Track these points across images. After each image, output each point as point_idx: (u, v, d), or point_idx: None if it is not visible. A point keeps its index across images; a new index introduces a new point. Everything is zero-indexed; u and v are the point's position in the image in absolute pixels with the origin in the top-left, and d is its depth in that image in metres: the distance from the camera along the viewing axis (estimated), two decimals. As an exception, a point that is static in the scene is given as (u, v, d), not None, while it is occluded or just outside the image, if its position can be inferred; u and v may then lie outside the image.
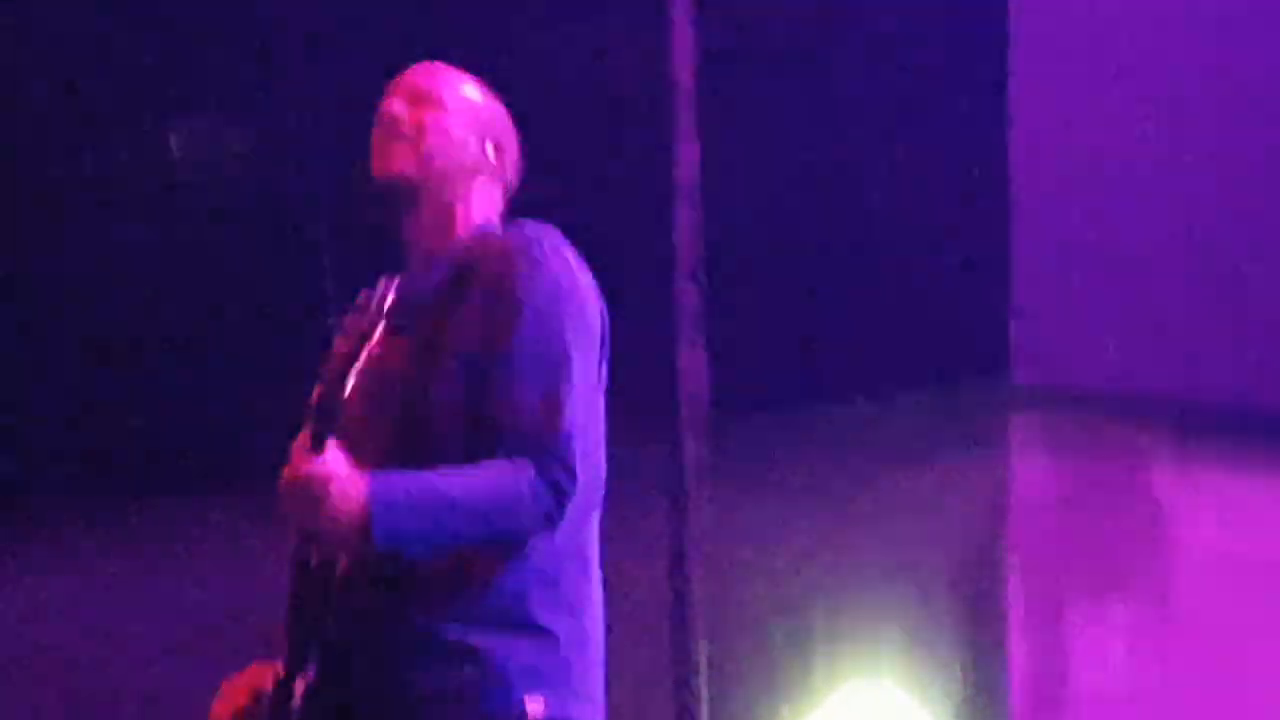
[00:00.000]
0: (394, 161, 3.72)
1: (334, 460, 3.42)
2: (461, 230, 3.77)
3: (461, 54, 4.48)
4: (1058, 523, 7.39)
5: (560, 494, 3.47)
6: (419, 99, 3.76)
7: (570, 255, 3.68)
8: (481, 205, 3.81)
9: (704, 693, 6.67)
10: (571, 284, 3.62)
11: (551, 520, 3.47)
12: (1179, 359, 7.70)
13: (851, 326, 7.68)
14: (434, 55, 4.22)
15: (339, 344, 3.59)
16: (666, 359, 6.62)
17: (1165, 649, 7.18)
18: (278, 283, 8.67)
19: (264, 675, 3.62)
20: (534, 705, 3.49)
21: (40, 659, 8.09)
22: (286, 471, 3.47)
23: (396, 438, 3.59)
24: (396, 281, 3.57)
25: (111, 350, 8.71)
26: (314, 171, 8.43)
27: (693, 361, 6.48)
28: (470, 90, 3.89)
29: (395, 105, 3.76)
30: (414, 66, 3.91)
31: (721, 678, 6.86)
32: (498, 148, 3.83)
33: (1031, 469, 7.52)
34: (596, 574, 3.67)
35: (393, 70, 4.36)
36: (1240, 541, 7.22)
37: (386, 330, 3.58)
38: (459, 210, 3.75)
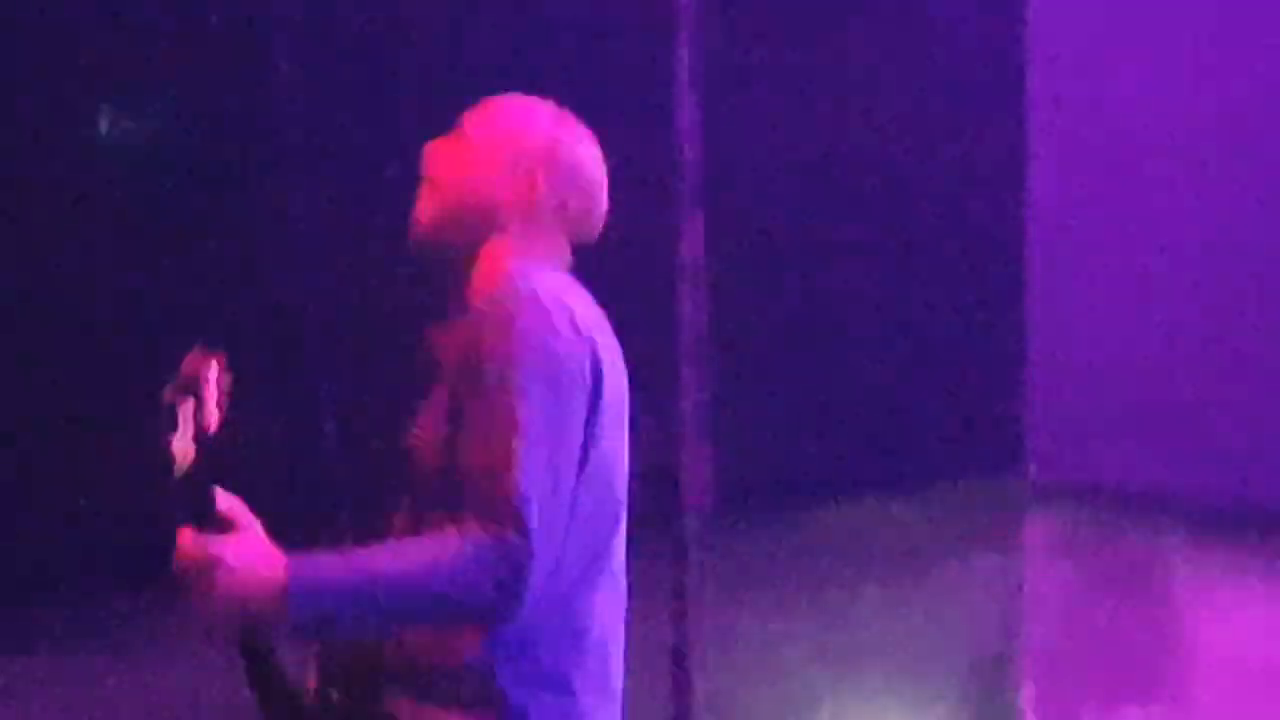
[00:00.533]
0: (417, 212, 3.48)
1: (243, 543, 3.25)
2: (485, 277, 3.47)
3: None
4: (1070, 623, 7.31)
5: (513, 560, 3.18)
6: (459, 138, 3.52)
7: (556, 309, 3.33)
8: (514, 246, 3.47)
9: None
10: (540, 336, 3.31)
11: (507, 588, 3.16)
12: (1194, 458, 7.81)
13: (869, 422, 7.65)
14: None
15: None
16: (666, 455, 6.26)
17: None
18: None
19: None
20: None
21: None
22: (190, 551, 3.26)
23: (420, 493, 3.38)
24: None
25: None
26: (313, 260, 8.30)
27: (696, 459, 6.25)
28: (520, 120, 3.56)
29: (434, 145, 3.54)
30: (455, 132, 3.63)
31: None
32: (556, 182, 3.47)
33: (1041, 568, 7.52)
34: (600, 642, 3.37)
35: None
36: (1252, 644, 7.20)
37: (428, 385, 3.44)
38: (488, 252, 3.46)
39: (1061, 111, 8.64)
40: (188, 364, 3.34)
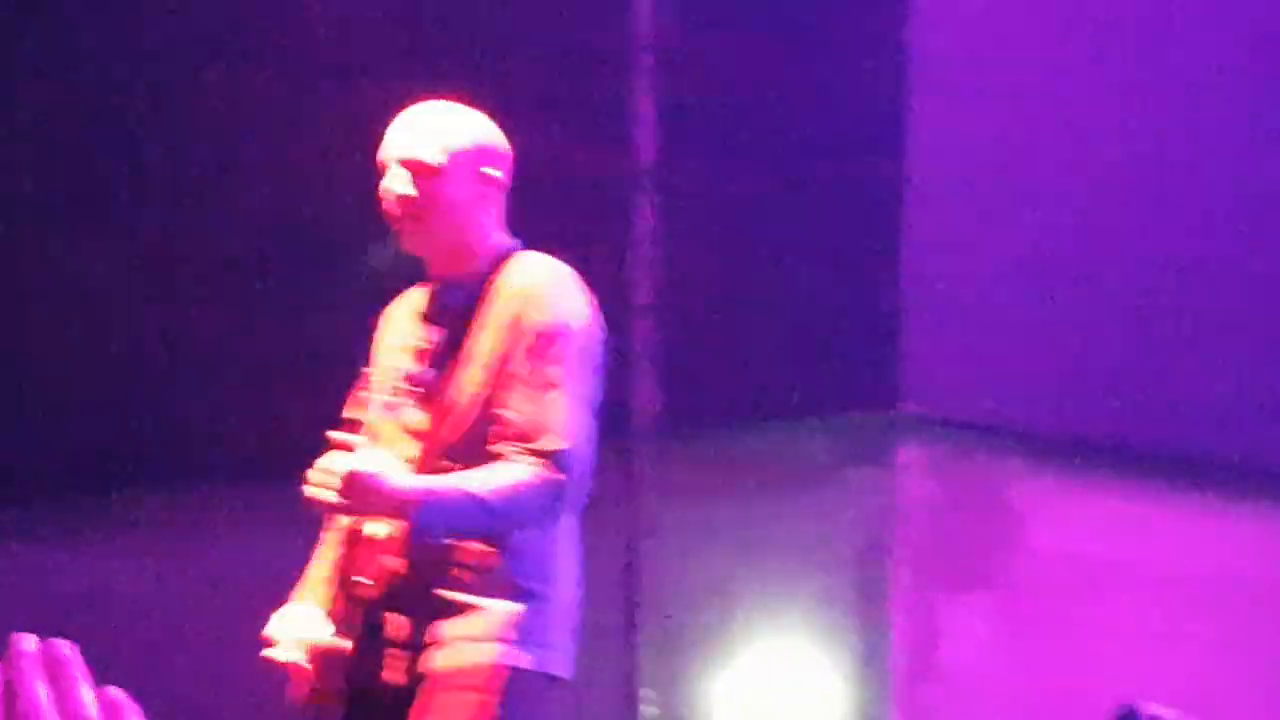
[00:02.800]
0: (408, 241, 3.93)
1: (380, 461, 3.77)
2: (479, 253, 3.94)
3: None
4: (932, 527, 7.82)
5: (560, 496, 3.79)
6: (416, 173, 3.85)
7: (582, 291, 3.92)
8: (489, 224, 3.95)
9: (646, 651, 7.07)
10: (583, 319, 3.86)
11: (552, 515, 3.79)
12: (1036, 394, 8.07)
13: (777, 358, 7.80)
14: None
15: (386, 353, 3.97)
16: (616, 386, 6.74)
17: (1016, 627, 7.68)
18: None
19: (307, 611, 3.91)
20: (521, 658, 3.83)
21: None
22: (348, 472, 3.76)
23: (434, 430, 3.88)
24: (439, 298, 3.90)
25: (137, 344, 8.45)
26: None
27: (645, 389, 6.83)
28: (457, 135, 3.94)
29: (400, 184, 3.85)
30: (402, 116, 3.98)
31: (662, 642, 7.27)
32: (497, 168, 3.95)
33: (913, 484, 7.85)
34: (578, 550, 3.97)
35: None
36: (1079, 544, 7.80)
37: (429, 339, 3.89)
38: (472, 238, 3.90)
39: (942, 52, 8.25)
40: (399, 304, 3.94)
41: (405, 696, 3.83)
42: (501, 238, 3.93)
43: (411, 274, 4.22)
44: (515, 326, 3.80)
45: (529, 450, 3.75)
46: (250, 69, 8.55)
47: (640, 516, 6.79)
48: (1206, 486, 8.21)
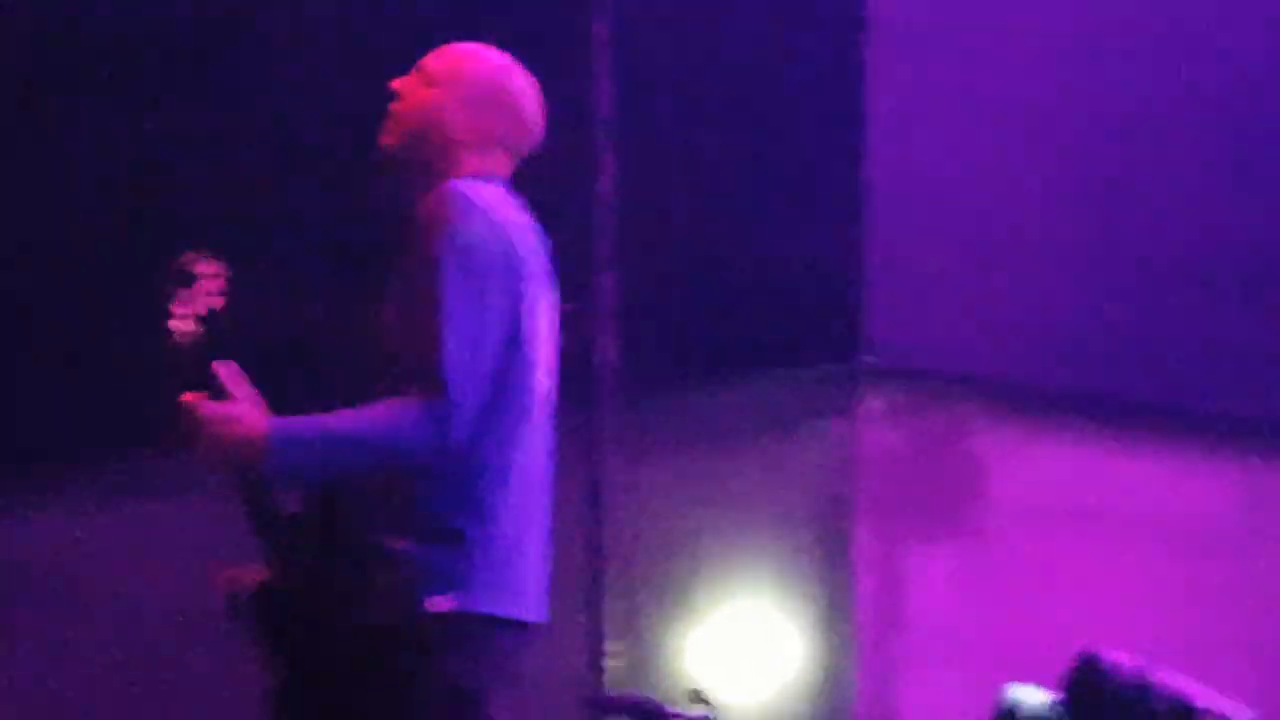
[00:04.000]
0: (384, 135, 3.80)
1: (227, 405, 3.59)
2: (436, 192, 3.75)
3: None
4: (895, 476, 7.84)
5: (443, 421, 3.53)
6: (422, 77, 3.80)
7: (475, 204, 3.69)
8: (466, 167, 3.79)
9: (611, 603, 7.04)
10: (464, 232, 3.63)
11: (440, 436, 3.53)
12: (999, 346, 8.12)
13: (743, 312, 7.81)
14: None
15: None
16: (583, 337, 6.81)
17: (981, 576, 7.72)
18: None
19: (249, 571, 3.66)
20: (439, 603, 3.57)
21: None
22: (189, 412, 3.60)
23: (375, 366, 3.72)
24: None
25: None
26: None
27: (606, 344, 6.86)
28: (472, 65, 3.86)
29: (399, 81, 3.81)
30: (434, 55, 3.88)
31: (628, 594, 7.24)
32: (501, 116, 3.81)
33: (875, 434, 7.89)
34: (526, 484, 3.73)
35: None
36: (1040, 493, 7.84)
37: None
38: (444, 170, 3.77)
39: (903, 13, 8.28)
40: (184, 259, 3.70)
41: (337, 646, 3.70)
42: (469, 182, 3.79)
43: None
44: (412, 254, 3.69)
45: (409, 375, 3.61)
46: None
47: (603, 469, 6.85)
48: (1167, 434, 8.26)
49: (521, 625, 3.70)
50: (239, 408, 3.57)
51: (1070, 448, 8.06)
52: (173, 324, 3.71)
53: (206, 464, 3.63)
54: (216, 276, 3.73)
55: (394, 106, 3.77)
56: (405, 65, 4.02)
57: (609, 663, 7.06)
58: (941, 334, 8.03)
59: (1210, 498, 8.26)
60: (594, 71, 7.47)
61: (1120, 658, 4.79)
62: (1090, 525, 7.86)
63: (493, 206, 3.65)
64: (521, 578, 3.70)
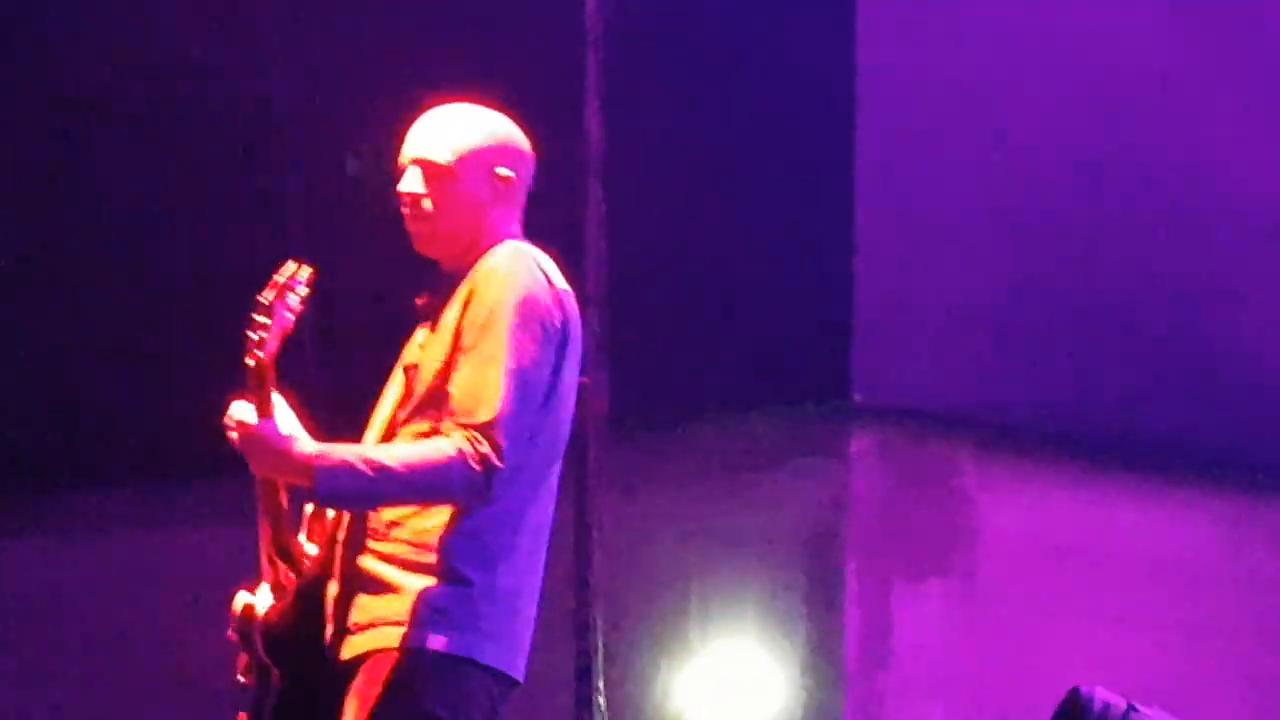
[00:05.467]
0: (421, 243, 3.87)
1: (278, 427, 3.70)
2: (487, 248, 3.88)
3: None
4: (885, 515, 7.87)
5: (488, 469, 3.61)
6: (431, 175, 3.84)
7: (537, 269, 3.81)
8: (501, 223, 3.91)
9: (600, 640, 6.75)
10: (520, 291, 3.74)
11: (478, 490, 3.62)
12: (988, 384, 8.11)
13: (729, 351, 7.78)
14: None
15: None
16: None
17: (969, 614, 7.68)
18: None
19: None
20: (436, 641, 3.67)
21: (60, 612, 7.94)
22: (242, 429, 3.72)
23: (413, 404, 3.79)
24: (288, 268, 3.87)
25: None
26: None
27: (597, 381, 6.52)
28: (475, 134, 3.92)
29: (412, 183, 3.84)
30: (424, 120, 3.94)
31: (615, 634, 6.96)
32: (511, 169, 3.90)
33: (864, 473, 8.05)
34: (534, 534, 3.83)
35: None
36: (1031, 532, 7.77)
37: (425, 327, 3.84)
38: (482, 237, 3.86)
39: (891, 51, 8.33)
40: (285, 274, 3.82)
41: (337, 673, 3.77)
42: (506, 229, 3.91)
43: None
44: (468, 303, 3.75)
45: (460, 423, 3.66)
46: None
47: (591, 506, 6.69)
48: (1153, 473, 8.16)
49: (509, 681, 3.77)
50: (294, 428, 3.71)
51: (1057, 487, 8.01)
52: (260, 338, 3.80)
53: (255, 481, 3.75)
54: (305, 293, 3.85)
55: (421, 211, 3.84)
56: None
57: (597, 701, 6.78)
58: (930, 373, 8.00)
59: (1196, 536, 8.14)
60: (584, 107, 7.32)
61: (1109, 697, 4.78)
62: (1077, 564, 7.74)
63: (546, 271, 3.77)
64: (515, 634, 3.79)
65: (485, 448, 3.61)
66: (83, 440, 8.21)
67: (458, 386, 3.67)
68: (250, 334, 3.82)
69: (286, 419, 3.78)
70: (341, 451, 3.67)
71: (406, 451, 3.68)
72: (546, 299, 3.76)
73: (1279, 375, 8.16)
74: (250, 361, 3.78)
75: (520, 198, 3.95)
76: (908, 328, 8.01)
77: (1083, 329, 8.10)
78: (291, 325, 3.87)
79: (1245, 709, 7.39)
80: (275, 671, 3.80)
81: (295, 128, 8.37)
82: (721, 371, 7.64)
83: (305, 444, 3.66)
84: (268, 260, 4.72)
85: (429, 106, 4.08)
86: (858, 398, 7.91)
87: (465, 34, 8.19)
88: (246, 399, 3.75)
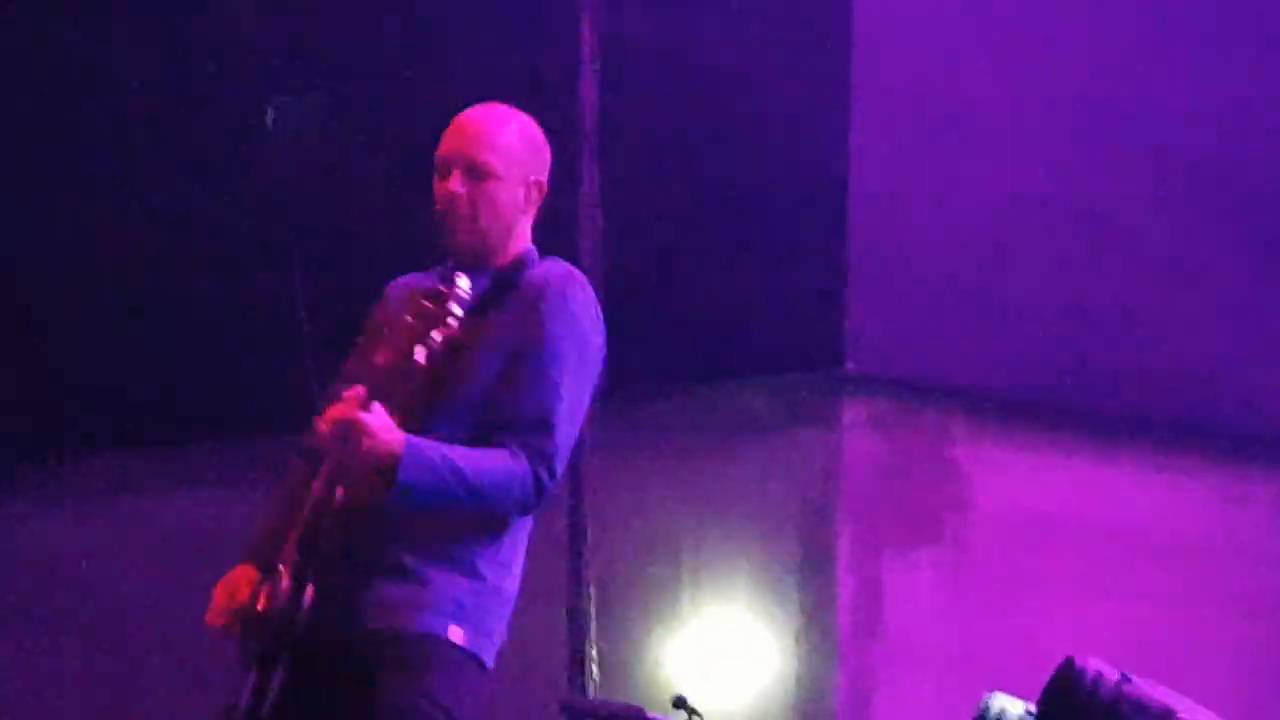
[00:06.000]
0: (458, 236, 3.93)
1: (379, 415, 3.69)
2: (509, 250, 3.99)
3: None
4: (876, 484, 7.89)
5: (541, 491, 3.80)
6: (475, 173, 3.91)
7: (590, 297, 3.97)
8: (525, 226, 4.04)
9: (593, 609, 7.00)
10: (584, 325, 3.92)
11: (527, 508, 3.82)
12: (984, 356, 8.14)
13: (726, 322, 7.83)
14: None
15: (404, 321, 3.85)
16: None
17: (960, 584, 7.72)
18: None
19: (251, 573, 3.87)
20: (455, 632, 3.79)
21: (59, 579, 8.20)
22: (337, 412, 3.72)
23: (433, 406, 3.86)
24: (455, 286, 3.83)
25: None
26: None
27: None
28: (521, 143, 4.03)
29: (454, 184, 3.90)
30: (467, 114, 4.02)
31: (610, 600, 7.22)
32: (541, 176, 4.02)
33: (856, 443, 7.98)
34: (525, 547, 3.99)
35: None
36: (1019, 501, 7.88)
37: (449, 324, 3.83)
38: (510, 242, 3.97)
39: (886, 38, 8.18)
40: (446, 279, 3.78)
41: (349, 652, 3.79)
42: (526, 237, 4.03)
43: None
44: (533, 322, 3.85)
45: (521, 442, 3.78)
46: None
47: (584, 475, 6.92)
48: (1145, 445, 8.29)
49: (488, 672, 3.91)
50: (381, 418, 3.71)
51: (1049, 458, 8.08)
52: (425, 343, 3.79)
53: (345, 466, 3.76)
54: (462, 300, 3.82)
55: (460, 209, 3.92)
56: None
57: (590, 668, 7.02)
58: (923, 343, 8.03)
59: (1188, 508, 8.25)
60: (580, 83, 7.49)
61: (1100, 668, 4.62)
62: (1068, 535, 7.86)
63: (593, 294, 3.95)
64: (503, 629, 3.94)
65: (543, 472, 3.77)
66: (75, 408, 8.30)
67: (522, 406, 3.78)
68: (416, 334, 3.82)
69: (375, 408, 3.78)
70: (426, 447, 3.73)
71: (480, 462, 3.76)
72: (600, 339, 3.93)
73: (1244, 354, 8.28)
74: (414, 359, 3.79)
75: (540, 202, 4.06)
76: (899, 300, 8.03)
77: (1070, 302, 8.20)
78: (454, 332, 3.85)
79: (1238, 678, 7.41)
80: (279, 658, 3.81)
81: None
82: (715, 342, 7.71)
83: (398, 433, 3.71)
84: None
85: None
86: (851, 368, 7.94)
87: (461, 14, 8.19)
88: (360, 390, 3.76)
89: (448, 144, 3.95)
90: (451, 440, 3.80)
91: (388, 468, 3.70)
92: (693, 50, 8.27)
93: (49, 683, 7.97)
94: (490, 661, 3.89)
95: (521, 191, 4.01)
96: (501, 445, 3.78)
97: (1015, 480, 7.96)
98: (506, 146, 3.98)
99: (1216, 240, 8.27)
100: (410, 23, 7.97)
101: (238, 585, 3.84)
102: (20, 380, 8.50)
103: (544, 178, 4.05)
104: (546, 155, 4.08)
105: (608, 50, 7.59)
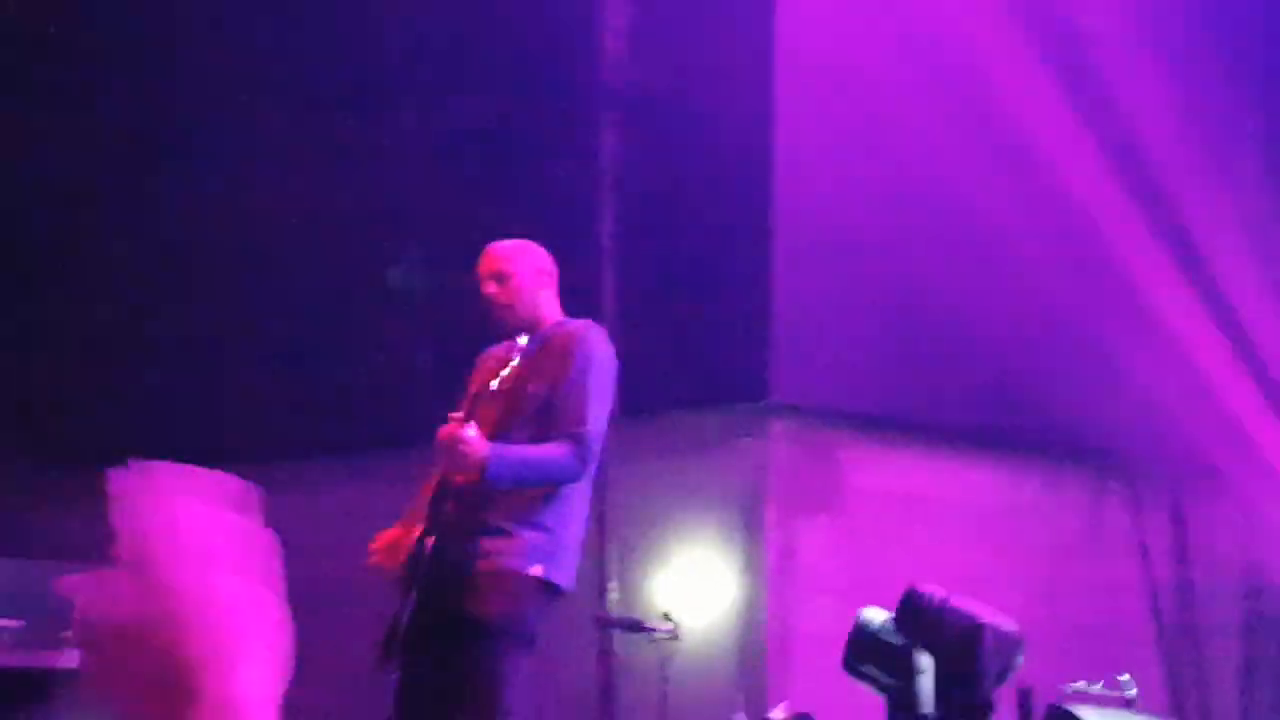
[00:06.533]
0: (498, 316, 4.66)
1: (474, 431, 4.33)
2: (545, 320, 4.66)
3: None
4: (795, 491, 8.50)
5: (585, 467, 4.47)
6: (501, 278, 4.63)
7: (603, 337, 4.59)
8: (548, 300, 4.70)
9: (610, 558, 8.04)
10: (603, 355, 4.59)
11: (576, 478, 4.50)
12: (871, 388, 8.70)
13: (670, 354, 8.11)
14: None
15: (483, 372, 4.58)
16: None
17: (851, 540, 8.51)
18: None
19: (407, 531, 4.47)
20: (536, 569, 4.46)
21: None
22: (447, 432, 4.25)
23: (507, 419, 4.52)
24: (516, 345, 4.50)
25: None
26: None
27: None
28: (523, 255, 4.68)
29: (490, 288, 4.61)
30: (488, 253, 4.68)
31: (621, 552, 8.24)
32: (543, 267, 4.72)
33: (779, 449, 8.57)
34: (586, 500, 4.60)
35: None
36: (896, 488, 8.59)
37: (512, 367, 4.53)
38: (540, 311, 4.68)
39: (805, 107, 8.46)
40: (496, 350, 4.44)
41: (461, 586, 4.32)
42: (555, 308, 4.72)
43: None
44: (568, 355, 4.51)
45: (567, 434, 4.45)
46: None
47: (606, 475, 7.17)
48: (996, 451, 9.07)
49: (564, 590, 4.54)
50: (476, 434, 4.32)
51: (911, 459, 8.88)
52: (500, 379, 4.29)
53: (454, 466, 4.29)
54: (520, 349, 4.37)
55: (499, 301, 4.65)
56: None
57: (610, 595, 8.15)
58: (826, 380, 8.66)
59: (1007, 491, 9.10)
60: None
61: (934, 590, 5.63)
62: (926, 509, 8.73)
63: (605, 336, 4.66)
64: (574, 564, 4.58)
65: (584, 451, 4.46)
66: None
67: (569, 408, 4.44)
68: (494, 374, 4.43)
69: (474, 429, 4.36)
70: (504, 450, 4.35)
71: (541, 454, 4.42)
72: (612, 365, 4.66)
73: (1082, 376, 8.79)
74: (491, 388, 4.41)
75: (554, 283, 4.73)
76: (811, 347, 8.59)
77: (942, 342, 8.72)
78: (517, 370, 4.43)
79: (1032, 604, 7.59)
80: (411, 589, 4.31)
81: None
82: (667, 380, 8.07)
83: (486, 445, 4.32)
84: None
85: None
86: (775, 400, 8.57)
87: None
88: (460, 415, 4.37)
89: (479, 266, 4.73)
90: (520, 441, 4.45)
91: (480, 466, 4.31)
92: (648, 113, 8.41)
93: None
94: (565, 583, 4.51)
95: (531, 279, 4.66)
96: (555, 441, 4.39)
97: (888, 474, 8.76)
98: (510, 255, 4.69)
99: (1047, 298, 8.84)
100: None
101: (389, 539, 4.52)
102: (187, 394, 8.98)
103: (546, 265, 4.69)
104: (541, 251, 4.70)
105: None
